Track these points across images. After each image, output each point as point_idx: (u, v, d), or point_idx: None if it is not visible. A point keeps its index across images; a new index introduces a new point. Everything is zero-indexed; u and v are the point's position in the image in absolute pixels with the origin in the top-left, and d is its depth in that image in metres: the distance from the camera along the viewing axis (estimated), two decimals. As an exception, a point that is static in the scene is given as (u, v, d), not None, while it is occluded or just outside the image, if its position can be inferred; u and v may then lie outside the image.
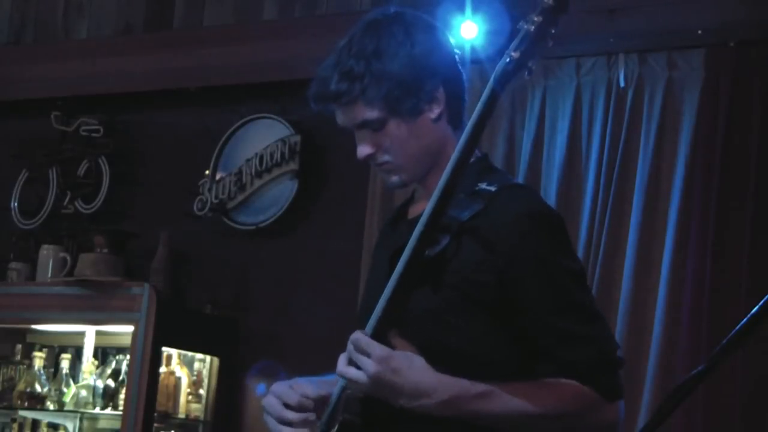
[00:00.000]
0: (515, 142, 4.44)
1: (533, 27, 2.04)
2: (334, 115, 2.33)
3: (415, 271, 2.10)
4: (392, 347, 2.11)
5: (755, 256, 3.99)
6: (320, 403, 2.24)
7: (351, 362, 2.12)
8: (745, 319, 1.64)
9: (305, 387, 2.26)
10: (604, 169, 4.23)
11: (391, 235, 2.37)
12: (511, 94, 4.45)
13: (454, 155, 2.11)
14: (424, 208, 2.22)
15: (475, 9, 4.30)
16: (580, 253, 4.21)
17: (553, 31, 2.06)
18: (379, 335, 2.11)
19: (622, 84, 4.25)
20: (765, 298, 1.64)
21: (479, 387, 2.11)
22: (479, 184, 2.19)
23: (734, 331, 1.64)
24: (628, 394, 4.01)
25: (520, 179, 4.36)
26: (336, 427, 2.17)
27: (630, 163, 4.20)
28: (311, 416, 2.22)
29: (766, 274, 3.95)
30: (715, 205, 4.06)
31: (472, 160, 2.18)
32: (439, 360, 2.12)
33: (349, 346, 2.12)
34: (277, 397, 2.27)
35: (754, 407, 3.94)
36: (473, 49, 4.30)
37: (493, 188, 2.20)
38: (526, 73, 2.07)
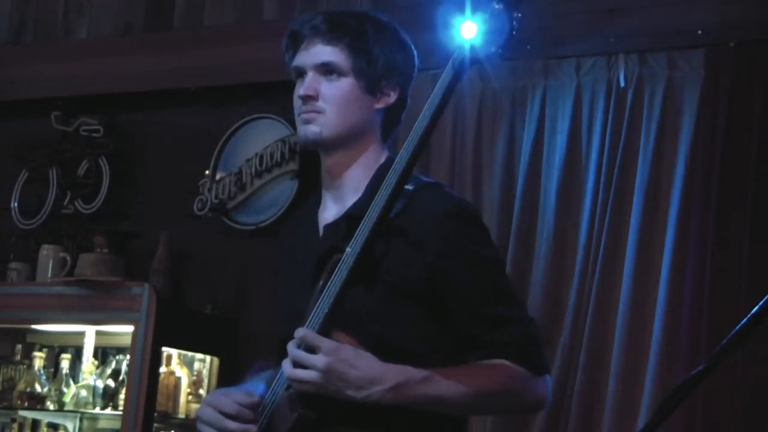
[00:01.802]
0: (515, 143, 4.44)
1: (493, 15, 2.10)
2: (293, 58, 2.42)
3: (361, 270, 2.18)
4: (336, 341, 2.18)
5: (755, 256, 3.99)
6: (253, 409, 2.28)
7: (296, 364, 2.16)
8: (745, 319, 1.64)
9: (238, 395, 2.30)
10: (604, 169, 4.23)
11: (306, 239, 2.40)
12: (511, 94, 4.45)
13: (412, 142, 2.19)
14: (341, 212, 2.33)
15: (475, 9, 4.30)
16: (580, 253, 4.21)
17: (515, 16, 2.13)
18: (325, 331, 2.18)
19: (622, 84, 4.24)
20: (765, 298, 1.64)
21: (423, 372, 2.20)
22: None
23: (734, 331, 1.64)
24: (629, 394, 4.05)
25: (520, 179, 4.37)
26: (292, 424, 2.20)
27: (630, 163, 4.20)
28: (252, 428, 2.26)
29: (766, 274, 3.95)
30: (715, 205, 4.06)
31: (383, 160, 2.33)
32: (379, 356, 2.19)
33: (292, 349, 2.18)
34: (213, 406, 2.30)
35: (754, 407, 3.94)
36: (473, 49, 4.30)
37: (410, 187, 2.27)
38: (493, 58, 2.15)
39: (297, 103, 2.41)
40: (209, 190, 5.05)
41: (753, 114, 4.08)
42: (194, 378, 4.93)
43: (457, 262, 2.25)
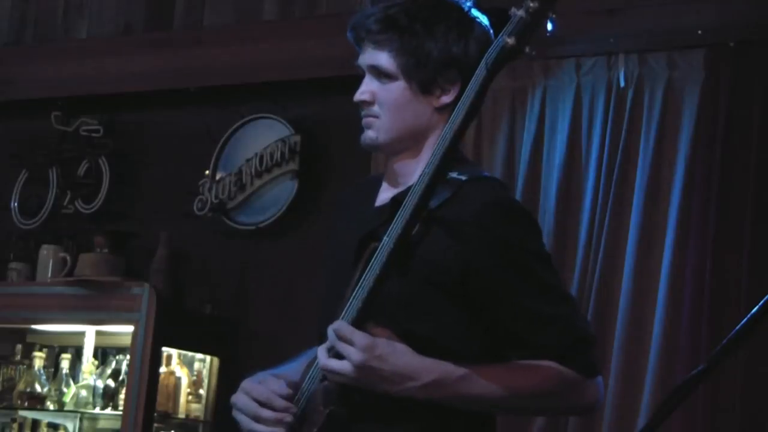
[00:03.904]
0: (515, 142, 4.44)
1: (529, 13, 2.06)
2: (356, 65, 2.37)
3: (395, 262, 2.13)
4: (371, 335, 2.14)
5: (755, 256, 3.99)
6: (288, 397, 2.25)
7: (332, 353, 2.14)
8: (745, 319, 1.64)
9: (273, 383, 2.27)
10: (604, 169, 4.23)
11: (355, 220, 2.37)
12: (511, 94, 4.45)
13: (446, 139, 2.14)
14: (391, 195, 2.28)
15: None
16: (580, 253, 4.22)
17: (551, 16, 2.08)
18: (358, 323, 2.14)
19: (622, 84, 4.24)
20: (765, 298, 1.64)
21: (461, 370, 2.15)
22: (450, 173, 2.21)
23: (734, 331, 1.64)
24: (629, 394, 4.05)
25: (520, 179, 4.37)
26: (323, 420, 2.18)
27: (630, 163, 4.20)
28: (287, 417, 2.22)
29: (766, 274, 3.95)
30: (715, 205, 4.06)
31: None
32: (408, 346, 2.15)
33: (331, 336, 2.14)
34: (247, 393, 2.27)
35: (754, 407, 3.94)
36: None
37: (463, 177, 2.23)
38: (527, 58, 2.10)
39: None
40: (209, 190, 5.05)
41: (753, 114, 4.08)
42: (194, 378, 4.93)
43: (495, 254, 2.18)
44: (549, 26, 2.09)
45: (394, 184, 2.35)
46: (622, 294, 4.12)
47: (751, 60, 4.10)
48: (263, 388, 2.26)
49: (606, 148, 4.24)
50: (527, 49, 2.10)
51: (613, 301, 4.14)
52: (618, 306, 4.12)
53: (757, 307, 1.65)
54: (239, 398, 2.28)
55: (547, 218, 4.30)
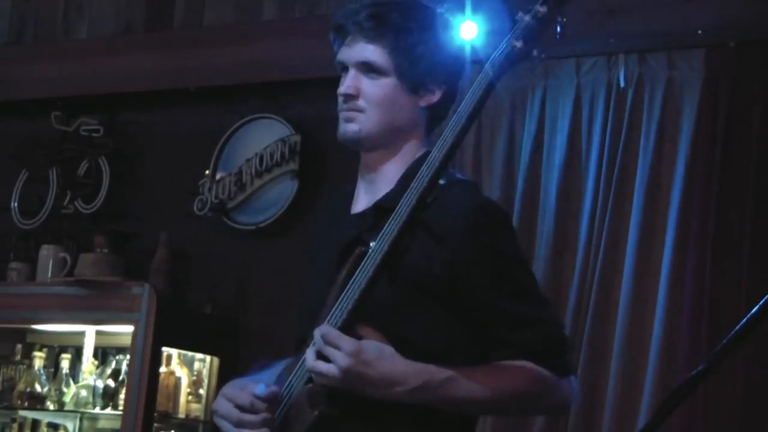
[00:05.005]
0: (515, 142, 4.44)
1: (537, 17, 2.07)
2: (338, 51, 2.37)
3: (389, 264, 2.15)
4: (359, 338, 2.15)
5: (755, 256, 3.99)
6: (269, 401, 2.25)
7: (320, 356, 2.14)
8: (745, 319, 1.65)
9: (253, 387, 2.27)
10: (604, 169, 4.23)
11: (333, 227, 2.38)
12: (511, 94, 4.45)
13: (447, 139, 2.16)
14: (371, 203, 2.30)
15: (475, 9, 4.30)
16: (580, 253, 4.22)
17: (560, 20, 2.08)
18: (349, 326, 2.15)
19: (622, 84, 4.24)
20: (765, 298, 1.64)
21: (446, 372, 2.18)
22: None
23: (734, 331, 1.64)
24: (629, 394, 4.05)
25: (520, 179, 4.37)
26: (312, 420, 2.18)
27: (630, 163, 4.20)
28: (267, 419, 2.23)
29: (766, 274, 3.95)
30: (715, 205, 4.06)
31: (419, 155, 2.28)
32: (397, 351, 2.16)
33: (318, 340, 2.15)
34: (229, 399, 2.28)
35: (754, 407, 3.94)
36: (473, 48, 4.30)
37: (441, 182, 2.23)
38: (534, 62, 2.12)
39: (339, 99, 2.36)
40: (209, 190, 5.05)
41: (753, 114, 4.08)
42: (194, 378, 4.93)
43: (480, 259, 2.22)
44: (557, 29, 2.10)
45: (369, 186, 2.36)
46: (622, 294, 4.12)
47: (751, 60, 4.10)
48: (245, 394, 2.27)
49: (606, 148, 4.24)
50: (535, 53, 2.10)
51: (613, 301, 4.14)
52: (618, 306, 4.12)
53: (757, 307, 1.65)
54: (220, 404, 2.30)
55: (547, 218, 4.30)
